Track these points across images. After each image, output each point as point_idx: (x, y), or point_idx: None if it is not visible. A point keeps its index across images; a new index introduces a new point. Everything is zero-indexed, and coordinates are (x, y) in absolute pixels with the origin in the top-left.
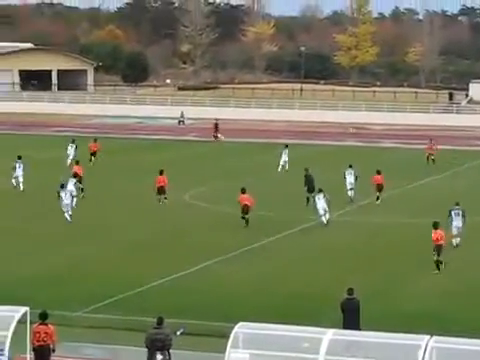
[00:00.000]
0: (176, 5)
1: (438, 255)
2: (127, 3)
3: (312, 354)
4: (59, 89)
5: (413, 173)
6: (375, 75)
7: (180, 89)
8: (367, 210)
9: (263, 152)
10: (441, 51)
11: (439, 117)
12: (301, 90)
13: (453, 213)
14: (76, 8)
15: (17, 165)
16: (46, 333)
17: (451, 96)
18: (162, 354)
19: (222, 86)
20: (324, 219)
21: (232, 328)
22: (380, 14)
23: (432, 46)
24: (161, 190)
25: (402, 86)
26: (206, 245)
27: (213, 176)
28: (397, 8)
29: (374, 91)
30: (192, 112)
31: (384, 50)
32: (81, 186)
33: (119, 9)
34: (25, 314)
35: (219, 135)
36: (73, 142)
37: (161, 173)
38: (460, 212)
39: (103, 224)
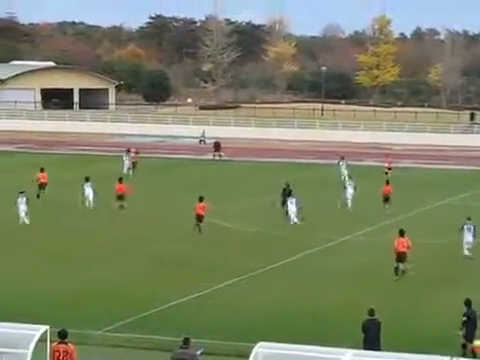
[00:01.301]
0: (198, 24)
1: (397, 261)
2: (149, 22)
3: None
4: (81, 108)
5: (434, 193)
6: (396, 95)
7: (201, 108)
8: (389, 229)
9: (284, 171)
10: (463, 71)
11: (460, 137)
12: (322, 110)
13: (465, 228)
14: (98, 27)
15: (85, 186)
16: (66, 352)
17: (472, 116)
18: None
19: (243, 105)
20: (296, 220)
21: (252, 348)
22: (401, 34)
23: (453, 66)
24: (200, 218)
25: (423, 106)
26: (227, 264)
27: (234, 195)
28: (419, 28)
29: (395, 111)
30: (213, 131)
31: (405, 70)
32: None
33: (141, 28)
34: (45, 332)
35: (222, 154)
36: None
37: (201, 200)
38: (472, 227)
39: (124, 243)
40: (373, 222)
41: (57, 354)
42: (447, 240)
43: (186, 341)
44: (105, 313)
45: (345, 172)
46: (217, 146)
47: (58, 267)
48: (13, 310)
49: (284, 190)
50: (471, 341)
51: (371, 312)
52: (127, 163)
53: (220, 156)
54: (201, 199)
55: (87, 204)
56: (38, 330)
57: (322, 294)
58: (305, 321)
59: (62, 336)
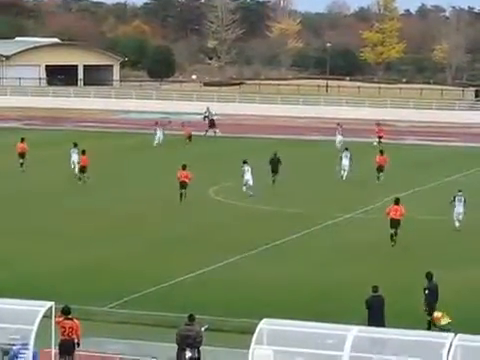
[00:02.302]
0: (202, 1)
1: (391, 228)
2: None
3: (337, 351)
4: (85, 84)
5: (439, 170)
6: (401, 72)
7: (206, 85)
8: None
9: (288, 148)
10: (467, 48)
11: (465, 114)
12: (327, 87)
13: (456, 199)
14: (102, 3)
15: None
16: (71, 328)
17: (477, 93)
18: (191, 351)
19: (248, 82)
20: (247, 189)
21: (257, 324)
22: (406, 11)
23: (458, 43)
24: (183, 185)
25: (428, 83)
26: (231, 241)
27: (237, 172)
28: (424, 5)
29: (400, 88)
30: (218, 108)
31: (410, 47)
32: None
33: (145, 4)
34: (50, 308)
35: (217, 130)
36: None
37: (184, 168)
38: (462, 198)
39: (129, 220)
40: (377, 199)
41: (62, 330)
42: (452, 217)
43: (191, 317)
44: (110, 289)
45: (340, 139)
46: (212, 122)
47: (63, 244)
48: (17, 287)
49: (271, 160)
50: (431, 313)
51: (375, 289)
52: (159, 136)
53: (214, 133)
54: (184, 167)
55: (75, 170)
56: (43, 306)
57: (326, 271)
58: (310, 298)
59: (66, 312)
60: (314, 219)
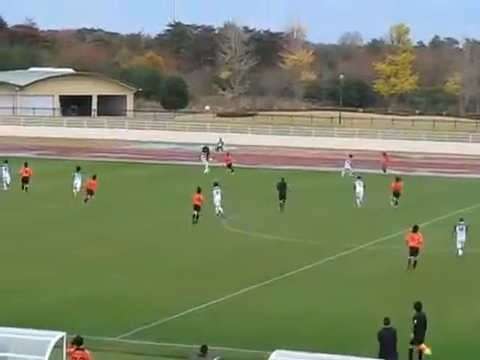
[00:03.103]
0: (216, 32)
1: (410, 255)
2: (167, 29)
3: None
4: (99, 114)
5: (452, 202)
6: (414, 104)
7: (219, 115)
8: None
9: (301, 179)
10: None
11: (478, 146)
12: (340, 118)
13: (458, 228)
14: (117, 34)
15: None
16: (83, 358)
17: None
18: None
19: (261, 113)
20: (218, 210)
21: (269, 355)
22: (420, 43)
23: (472, 75)
24: (197, 207)
25: (441, 115)
26: (243, 272)
27: (250, 202)
28: (437, 37)
29: (413, 120)
30: (230, 139)
31: (423, 79)
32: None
33: (159, 35)
34: (61, 339)
35: (211, 159)
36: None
37: (198, 191)
38: (464, 227)
39: (141, 250)
40: (390, 231)
41: None
42: (465, 250)
43: (203, 349)
44: (121, 320)
45: (347, 167)
46: (207, 151)
47: (74, 274)
48: (28, 316)
49: (279, 184)
50: (420, 343)
51: (387, 321)
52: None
53: (209, 161)
54: (199, 190)
55: (74, 192)
56: (54, 336)
57: (339, 302)
58: (321, 329)
59: (78, 343)
60: (326, 250)
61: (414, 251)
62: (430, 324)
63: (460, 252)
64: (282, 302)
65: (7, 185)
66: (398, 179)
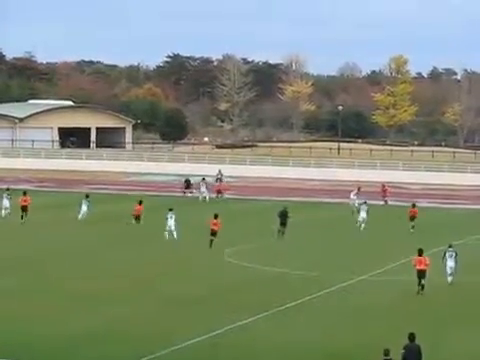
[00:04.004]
0: (215, 64)
1: (418, 278)
2: (166, 61)
3: None
4: (98, 146)
5: (451, 233)
6: (413, 134)
7: (218, 147)
8: (406, 269)
9: (300, 210)
10: (479, 111)
11: (477, 177)
12: (338, 149)
13: (447, 254)
14: (115, 66)
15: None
16: None
17: None
18: None
19: (260, 144)
20: (80, 216)
21: None
22: (418, 74)
23: (470, 106)
24: (213, 232)
25: (440, 146)
26: (243, 303)
27: (250, 234)
28: (435, 68)
29: (412, 150)
30: (229, 170)
31: (422, 109)
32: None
33: (158, 67)
34: None
35: (193, 191)
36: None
37: (216, 217)
38: (453, 254)
39: (142, 281)
40: (390, 261)
41: None
42: (465, 279)
43: None
44: (123, 352)
45: (356, 201)
46: (188, 184)
47: (74, 306)
48: (34, 349)
49: (281, 212)
50: None
51: (386, 352)
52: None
53: (191, 193)
54: (216, 216)
55: (80, 217)
56: None
57: (341, 334)
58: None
59: None
60: (326, 281)
61: (422, 274)
62: (428, 355)
63: (449, 278)
64: (282, 333)
65: (8, 214)
66: (414, 205)
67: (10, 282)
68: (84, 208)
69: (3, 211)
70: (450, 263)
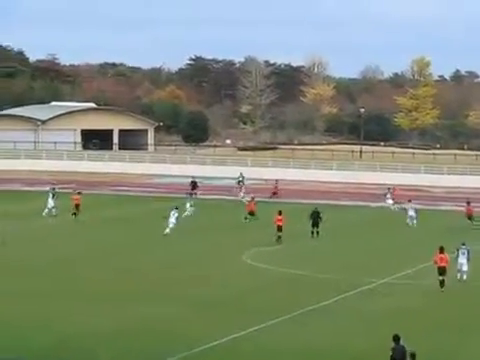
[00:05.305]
0: (237, 66)
1: (439, 275)
2: (189, 64)
3: None
4: (120, 148)
5: (476, 236)
6: (435, 137)
7: (240, 149)
8: (429, 272)
9: (322, 213)
10: None
11: None
12: (360, 152)
13: (460, 252)
14: (138, 68)
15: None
16: None
17: None
18: None
19: (281, 147)
20: (168, 230)
21: None
22: (441, 76)
23: None
24: (279, 228)
25: (462, 149)
26: (264, 305)
27: (271, 237)
28: (458, 71)
29: (434, 154)
30: (251, 172)
31: (445, 112)
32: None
33: (180, 69)
34: None
35: (197, 193)
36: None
37: (280, 213)
38: (466, 251)
39: (166, 283)
40: (412, 265)
41: None
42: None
43: None
44: (144, 353)
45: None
46: (194, 185)
47: (96, 306)
48: (51, 348)
49: (312, 213)
50: None
51: (413, 356)
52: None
53: (195, 194)
54: (280, 213)
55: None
56: None
57: (361, 337)
58: None
59: None
60: (349, 284)
61: (443, 271)
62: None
63: (460, 275)
64: (303, 336)
65: (53, 213)
66: (469, 203)
67: (45, 281)
68: (172, 220)
69: (47, 210)
70: (462, 260)
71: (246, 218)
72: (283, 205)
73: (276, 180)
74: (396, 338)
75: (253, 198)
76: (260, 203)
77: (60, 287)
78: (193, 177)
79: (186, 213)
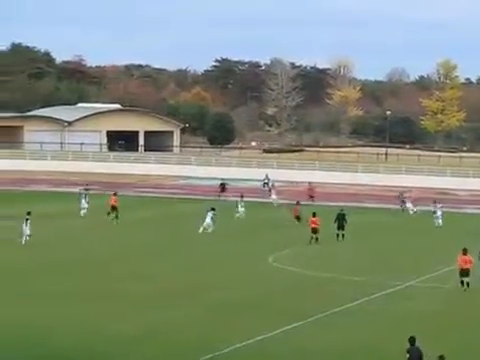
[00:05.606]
0: (263, 68)
1: (461, 276)
2: (214, 65)
3: None
4: (145, 150)
5: None
6: (461, 140)
7: (265, 151)
8: (453, 275)
9: (348, 215)
10: None
11: None
12: (386, 154)
13: None
14: (164, 70)
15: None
16: None
17: None
18: None
19: (307, 149)
20: (202, 229)
21: None
22: (467, 79)
23: None
24: (314, 230)
25: None
26: (289, 308)
27: (297, 239)
28: None
29: (460, 156)
30: (277, 174)
31: (471, 115)
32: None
33: (206, 71)
34: None
35: (227, 195)
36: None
37: (314, 215)
38: None
39: (190, 286)
40: (437, 268)
41: None
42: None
43: None
44: (167, 356)
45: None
46: (223, 187)
47: (121, 308)
48: (73, 350)
49: (338, 215)
50: None
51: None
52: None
53: (225, 197)
54: (314, 214)
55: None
56: None
57: (386, 339)
58: None
59: None
60: (373, 287)
61: (466, 273)
62: None
63: None
64: (327, 338)
65: (82, 216)
66: None
67: (72, 283)
68: (208, 221)
69: (82, 211)
70: None
71: (296, 220)
72: (309, 207)
73: (309, 183)
74: (412, 340)
75: (298, 202)
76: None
77: (76, 288)
78: (223, 179)
79: (237, 215)
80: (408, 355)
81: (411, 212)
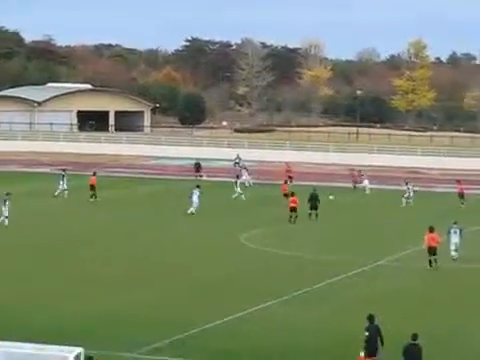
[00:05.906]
0: (233, 48)
1: (429, 254)
2: (185, 45)
3: None
4: (116, 130)
5: (471, 218)
6: (432, 119)
7: (236, 131)
8: (422, 254)
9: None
10: None
11: None
12: (357, 134)
13: (452, 231)
14: (134, 50)
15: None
16: None
17: None
18: None
19: (278, 129)
20: (191, 210)
21: None
22: (437, 59)
23: None
24: (293, 209)
25: (459, 131)
26: (262, 287)
27: (268, 218)
28: (454, 53)
29: (431, 136)
30: (248, 154)
31: (441, 95)
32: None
33: (177, 51)
34: (79, 355)
35: (202, 175)
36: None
37: (292, 194)
38: (458, 230)
39: (162, 266)
40: (406, 247)
41: None
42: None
43: None
44: (139, 335)
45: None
46: (197, 167)
47: (96, 289)
48: (46, 330)
49: (310, 195)
50: (370, 356)
51: (414, 337)
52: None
53: (200, 177)
54: (293, 194)
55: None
56: (72, 352)
57: (359, 318)
58: (342, 345)
59: None
60: (345, 266)
61: (433, 250)
62: (453, 341)
63: (453, 254)
64: (300, 317)
65: (62, 194)
66: (459, 181)
67: (30, 264)
68: (195, 199)
69: (65, 192)
70: (454, 239)
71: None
72: (279, 187)
73: (286, 163)
74: (370, 317)
75: (286, 181)
76: (266, 186)
77: (49, 269)
78: (197, 159)
79: (234, 195)
80: (367, 333)
81: (367, 191)
